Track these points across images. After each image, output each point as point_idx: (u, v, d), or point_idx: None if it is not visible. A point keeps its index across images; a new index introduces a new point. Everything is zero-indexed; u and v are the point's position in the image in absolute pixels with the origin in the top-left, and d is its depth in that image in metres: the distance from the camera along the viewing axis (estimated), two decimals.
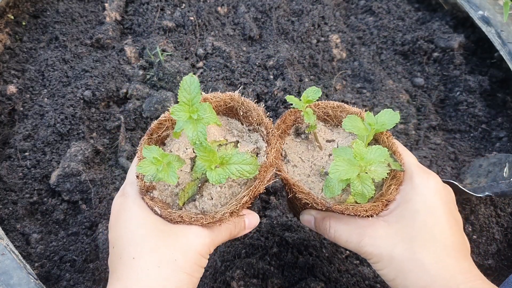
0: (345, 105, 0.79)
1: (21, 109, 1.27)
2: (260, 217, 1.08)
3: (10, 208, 1.08)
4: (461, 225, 0.67)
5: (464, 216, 1.06)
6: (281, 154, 0.77)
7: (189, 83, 0.62)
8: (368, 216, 0.66)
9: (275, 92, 1.29)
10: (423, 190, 0.65)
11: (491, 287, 0.61)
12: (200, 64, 1.40)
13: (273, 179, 0.67)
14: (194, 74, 1.37)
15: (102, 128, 1.25)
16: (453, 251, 0.62)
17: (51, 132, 1.19)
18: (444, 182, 0.91)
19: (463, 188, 0.96)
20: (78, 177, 1.09)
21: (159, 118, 0.74)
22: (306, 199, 0.67)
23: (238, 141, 0.75)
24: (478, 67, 1.43)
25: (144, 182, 0.66)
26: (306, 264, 0.97)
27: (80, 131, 1.20)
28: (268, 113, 1.29)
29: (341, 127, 0.79)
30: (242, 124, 0.79)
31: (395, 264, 0.62)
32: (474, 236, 1.03)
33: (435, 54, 1.43)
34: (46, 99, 1.28)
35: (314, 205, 0.67)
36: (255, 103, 0.75)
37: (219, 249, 1.01)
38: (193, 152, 0.71)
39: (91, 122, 1.24)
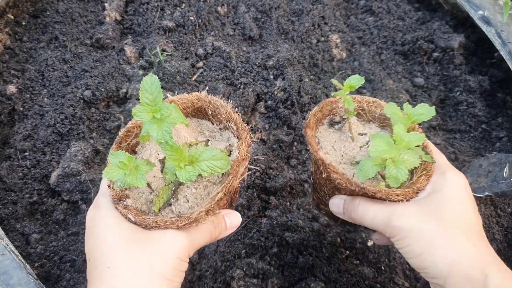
0: (380, 101, 0.82)
1: (21, 109, 1.27)
2: (260, 217, 1.08)
3: (10, 208, 1.08)
4: (481, 226, 0.70)
5: None
6: (316, 141, 0.79)
7: (150, 83, 0.61)
8: (398, 201, 0.68)
9: (275, 92, 1.29)
10: (454, 184, 0.68)
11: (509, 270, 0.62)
12: (200, 64, 1.40)
13: (246, 173, 0.66)
14: (194, 74, 1.37)
15: (102, 128, 1.25)
16: (482, 237, 0.64)
17: (51, 132, 1.19)
18: None
19: None
20: (78, 177, 1.09)
21: (127, 126, 0.72)
22: (340, 179, 0.69)
23: (208, 140, 0.74)
24: (478, 67, 1.43)
25: (115, 190, 0.65)
26: (306, 264, 0.97)
27: (80, 131, 1.20)
28: (268, 113, 1.29)
29: (373, 122, 0.84)
30: (213, 123, 0.78)
31: (425, 238, 0.63)
32: None
33: (435, 54, 1.43)
34: (46, 99, 1.28)
35: (348, 185, 0.69)
36: (222, 100, 0.74)
37: (219, 249, 1.01)
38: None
39: (91, 122, 1.24)
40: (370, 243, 1.03)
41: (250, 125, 1.27)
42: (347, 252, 1.03)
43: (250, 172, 0.69)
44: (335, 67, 1.43)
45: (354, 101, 0.82)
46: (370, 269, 0.99)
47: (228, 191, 0.64)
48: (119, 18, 1.51)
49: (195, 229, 0.64)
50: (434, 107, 0.72)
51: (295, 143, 1.22)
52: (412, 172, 0.73)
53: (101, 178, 1.12)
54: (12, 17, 1.47)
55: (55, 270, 0.99)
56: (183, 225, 0.61)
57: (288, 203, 1.11)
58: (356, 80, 0.76)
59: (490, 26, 1.36)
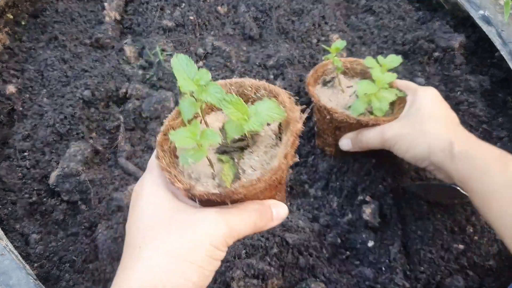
0: (359, 59, 1.10)
1: (20, 109, 1.26)
2: None
3: (10, 208, 1.07)
4: (455, 118, 0.91)
5: (465, 217, 1.05)
6: (317, 95, 1.04)
7: (179, 62, 0.59)
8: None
9: None
10: (425, 94, 0.92)
11: (481, 142, 0.82)
12: (200, 63, 1.39)
13: (302, 120, 0.65)
14: None
15: (102, 128, 1.24)
16: (453, 122, 0.88)
17: (51, 132, 1.19)
18: (445, 186, 0.93)
19: (464, 193, 0.95)
20: (78, 177, 1.09)
21: (169, 117, 0.68)
22: (340, 116, 0.95)
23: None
24: (478, 67, 1.42)
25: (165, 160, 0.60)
26: (307, 265, 0.97)
27: (80, 131, 1.20)
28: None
29: (356, 77, 1.12)
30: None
31: (410, 136, 0.86)
32: (475, 237, 1.03)
33: (436, 53, 1.43)
34: (45, 99, 1.28)
35: (347, 119, 0.95)
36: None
37: None
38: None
39: (91, 122, 1.24)
40: (370, 244, 1.03)
41: None
42: (348, 252, 1.03)
43: (307, 115, 0.68)
44: None
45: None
46: (370, 269, 0.99)
47: (296, 136, 0.61)
48: (118, 17, 1.50)
49: (236, 217, 0.60)
50: (401, 56, 1.01)
51: None
52: (392, 108, 1.01)
53: (101, 178, 1.12)
54: (11, 16, 1.47)
55: (55, 270, 0.99)
56: (269, 177, 0.57)
57: (288, 203, 1.11)
58: (340, 44, 1.03)
59: (491, 26, 1.36)
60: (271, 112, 0.60)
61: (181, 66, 0.60)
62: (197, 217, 0.58)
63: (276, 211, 0.66)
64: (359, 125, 0.97)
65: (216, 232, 0.57)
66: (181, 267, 0.55)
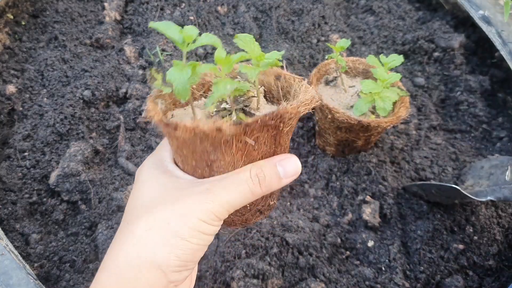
0: (361, 59, 1.10)
1: (21, 109, 1.26)
2: None
3: (10, 208, 1.07)
4: None
5: (465, 217, 1.05)
6: (319, 94, 1.04)
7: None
8: (387, 127, 0.97)
9: None
10: None
11: None
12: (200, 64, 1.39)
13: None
14: None
15: (102, 128, 1.24)
16: None
17: (51, 132, 1.19)
18: (445, 186, 0.93)
19: (465, 193, 0.95)
20: (78, 177, 1.09)
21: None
22: (342, 117, 0.94)
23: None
24: (478, 67, 1.42)
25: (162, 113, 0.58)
26: (307, 265, 0.97)
27: (80, 131, 1.20)
28: None
29: (358, 76, 1.13)
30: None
31: None
32: (475, 237, 1.03)
33: (436, 53, 1.43)
34: (45, 99, 1.28)
35: (348, 120, 0.93)
36: None
37: (219, 249, 1.00)
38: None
39: (91, 122, 1.24)
40: (370, 244, 1.03)
41: None
42: (348, 252, 1.03)
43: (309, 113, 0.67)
44: None
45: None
46: (370, 269, 0.99)
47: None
48: (118, 17, 1.50)
49: (224, 190, 0.57)
50: (402, 55, 1.00)
51: (295, 144, 1.22)
52: (393, 106, 0.99)
53: (101, 178, 1.12)
54: (11, 16, 1.47)
55: (55, 270, 0.99)
56: (297, 107, 0.54)
57: (288, 203, 1.11)
58: (344, 42, 1.03)
59: (491, 26, 1.36)
60: (272, 57, 0.63)
61: (165, 29, 0.57)
62: (186, 192, 0.58)
63: (283, 169, 0.61)
64: (360, 126, 0.96)
65: (204, 206, 0.56)
66: (163, 239, 0.55)
